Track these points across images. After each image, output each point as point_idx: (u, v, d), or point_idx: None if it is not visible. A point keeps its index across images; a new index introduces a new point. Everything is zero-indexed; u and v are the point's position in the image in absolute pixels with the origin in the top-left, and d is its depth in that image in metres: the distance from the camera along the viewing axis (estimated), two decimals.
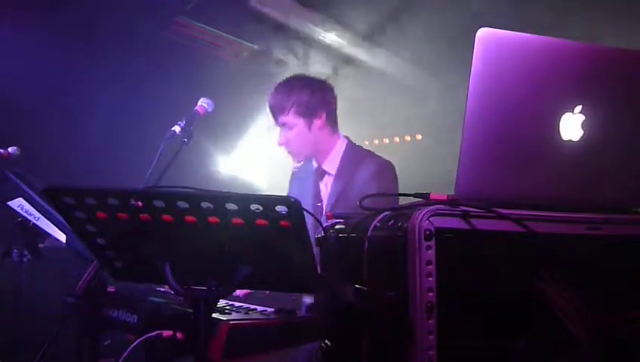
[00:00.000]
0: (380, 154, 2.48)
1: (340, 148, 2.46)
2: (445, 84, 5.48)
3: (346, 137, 2.52)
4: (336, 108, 2.51)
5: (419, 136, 6.07)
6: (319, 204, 2.46)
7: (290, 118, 2.37)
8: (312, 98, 2.39)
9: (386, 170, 2.39)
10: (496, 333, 1.01)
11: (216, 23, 4.31)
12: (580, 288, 1.06)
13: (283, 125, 2.40)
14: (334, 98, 2.50)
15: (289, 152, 2.46)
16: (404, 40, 4.66)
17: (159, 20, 4.01)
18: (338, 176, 2.42)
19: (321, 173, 2.49)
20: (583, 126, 1.17)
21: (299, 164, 2.62)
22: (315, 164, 2.52)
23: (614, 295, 1.11)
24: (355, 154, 2.46)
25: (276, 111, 2.40)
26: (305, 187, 2.55)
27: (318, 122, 2.39)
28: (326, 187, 2.47)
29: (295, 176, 2.71)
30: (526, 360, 1.02)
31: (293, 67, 4.96)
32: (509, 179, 1.13)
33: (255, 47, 4.68)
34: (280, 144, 2.44)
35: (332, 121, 2.47)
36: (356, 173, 2.35)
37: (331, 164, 2.45)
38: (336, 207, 2.32)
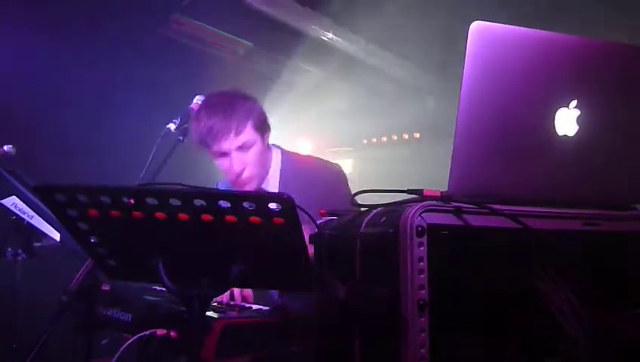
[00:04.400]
0: (320, 157, 2.19)
1: (276, 161, 2.15)
2: (444, 83, 5.48)
3: (278, 146, 2.21)
4: None
5: (417, 135, 6.07)
6: None
7: (249, 135, 2.01)
8: (261, 110, 2.10)
9: (336, 177, 2.13)
10: (490, 331, 1.01)
11: (213, 20, 4.30)
12: (575, 285, 1.06)
13: (239, 148, 2.01)
14: None
15: (244, 181, 2.05)
16: (403, 39, 4.66)
17: (156, 18, 4.01)
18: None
19: None
20: (578, 121, 1.16)
21: (224, 179, 2.24)
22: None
23: (610, 292, 1.11)
24: (294, 165, 2.15)
25: (231, 133, 1.98)
26: None
27: (267, 137, 2.12)
28: None
29: None
30: (520, 358, 1.02)
31: (291, 66, 4.96)
32: (503, 175, 1.13)
33: (252, 44, 4.67)
34: (237, 171, 2.03)
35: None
36: (304, 189, 1.93)
37: (272, 182, 2.12)
38: None
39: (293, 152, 2.24)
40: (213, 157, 2.08)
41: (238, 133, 1.99)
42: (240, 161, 2.02)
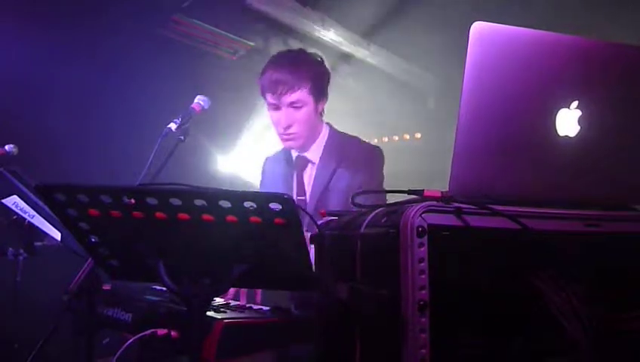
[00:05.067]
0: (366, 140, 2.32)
1: (323, 135, 2.27)
2: (444, 82, 5.48)
3: (328, 124, 2.32)
4: None
5: (418, 135, 6.07)
6: (302, 198, 2.21)
7: (303, 95, 2.11)
8: (324, 77, 2.20)
9: (372, 155, 2.25)
10: (491, 332, 1.00)
11: (214, 20, 4.30)
12: (576, 286, 1.05)
13: (291, 104, 2.11)
14: None
15: (289, 137, 2.17)
16: (403, 38, 4.66)
17: (156, 18, 4.01)
18: (322, 165, 2.21)
19: (304, 163, 2.25)
20: (579, 121, 1.16)
21: (272, 154, 2.42)
22: (294, 153, 2.28)
23: (611, 293, 1.10)
24: (338, 140, 2.27)
25: (285, 87, 2.09)
26: (280, 179, 2.32)
27: (321, 106, 2.22)
28: (310, 178, 2.23)
29: (268, 168, 2.45)
30: (521, 359, 1.01)
31: None
32: (504, 176, 1.12)
33: (252, 44, 4.67)
34: (284, 125, 2.14)
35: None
36: (342, 161, 2.17)
37: (315, 151, 2.24)
38: (323, 199, 2.14)
39: (340, 131, 2.34)
40: (268, 109, 2.20)
41: (293, 91, 2.09)
42: (289, 117, 2.13)
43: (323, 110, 2.26)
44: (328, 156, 2.22)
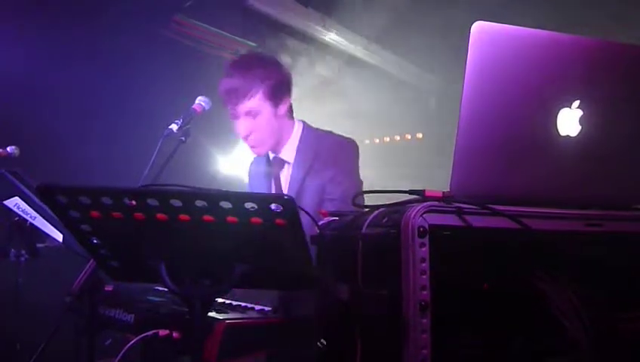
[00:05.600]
0: (340, 133, 2.28)
1: (296, 133, 2.23)
2: (446, 82, 5.48)
3: (302, 121, 2.28)
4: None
5: (419, 135, 6.07)
6: None
7: (256, 103, 2.07)
8: (280, 79, 2.13)
9: (343, 148, 2.20)
10: (492, 332, 1.00)
11: (215, 21, 4.30)
12: (577, 286, 1.05)
13: (247, 113, 2.09)
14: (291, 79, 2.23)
15: (252, 145, 2.17)
16: (404, 38, 4.66)
17: (158, 19, 4.01)
18: (297, 164, 2.18)
19: (280, 163, 2.24)
20: (580, 121, 1.16)
21: (256, 156, 2.38)
22: (271, 154, 2.27)
23: (613, 293, 1.10)
24: (311, 137, 2.22)
25: (238, 96, 2.07)
26: (263, 180, 2.31)
27: (283, 108, 2.16)
28: (286, 178, 2.23)
29: (253, 170, 2.44)
30: (522, 359, 1.01)
31: (293, 66, 4.96)
32: (505, 176, 1.12)
33: (254, 45, 4.67)
34: (243, 135, 2.13)
35: (291, 105, 2.22)
36: (315, 159, 2.14)
37: (289, 151, 2.21)
38: (298, 199, 2.09)
39: (313, 127, 2.29)
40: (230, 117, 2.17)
41: (246, 99, 2.06)
42: (246, 127, 2.11)
43: (289, 109, 2.21)
44: (302, 155, 2.19)
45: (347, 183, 2.12)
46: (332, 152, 2.16)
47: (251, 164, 2.47)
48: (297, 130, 2.24)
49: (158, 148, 1.93)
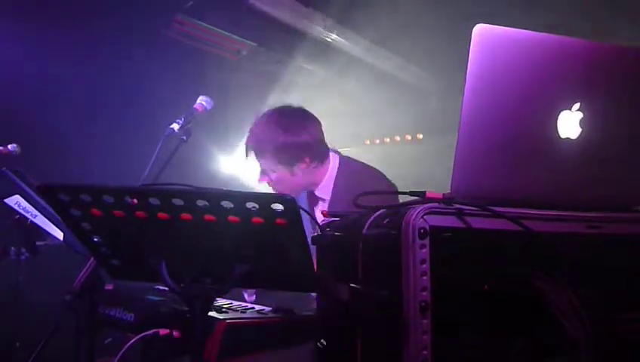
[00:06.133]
0: (371, 165, 2.22)
1: (332, 171, 2.18)
2: (446, 83, 5.47)
3: (337, 153, 2.23)
4: (322, 138, 2.16)
5: (420, 136, 6.06)
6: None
7: (269, 164, 2.11)
8: (292, 144, 2.07)
9: (382, 182, 2.14)
10: (493, 333, 1.01)
11: (217, 21, 4.30)
12: (577, 287, 1.06)
13: (263, 170, 2.15)
14: (318, 129, 2.15)
15: (276, 190, 2.17)
16: (405, 38, 4.65)
17: (160, 19, 4.01)
18: (334, 200, 2.14)
19: (315, 199, 2.22)
20: (581, 124, 1.16)
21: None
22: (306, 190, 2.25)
23: (613, 294, 1.10)
24: (348, 173, 2.17)
25: (255, 153, 2.13)
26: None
27: (301, 166, 2.10)
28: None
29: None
30: (522, 359, 1.01)
31: (293, 66, 4.96)
32: (506, 177, 1.12)
33: (255, 45, 4.67)
34: (267, 182, 2.16)
35: (319, 154, 2.14)
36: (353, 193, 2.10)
37: (324, 189, 2.18)
38: None
39: (350, 159, 2.25)
40: None
41: (259, 158, 2.12)
42: (264, 179, 2.17)
43: (315, 160, 2.12)
44: (339, 192, 2.13)
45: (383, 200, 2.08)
46: (369, 187, 2.11)
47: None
48: (333, 167, 2.19)
49: (159, 148, 1.94)
